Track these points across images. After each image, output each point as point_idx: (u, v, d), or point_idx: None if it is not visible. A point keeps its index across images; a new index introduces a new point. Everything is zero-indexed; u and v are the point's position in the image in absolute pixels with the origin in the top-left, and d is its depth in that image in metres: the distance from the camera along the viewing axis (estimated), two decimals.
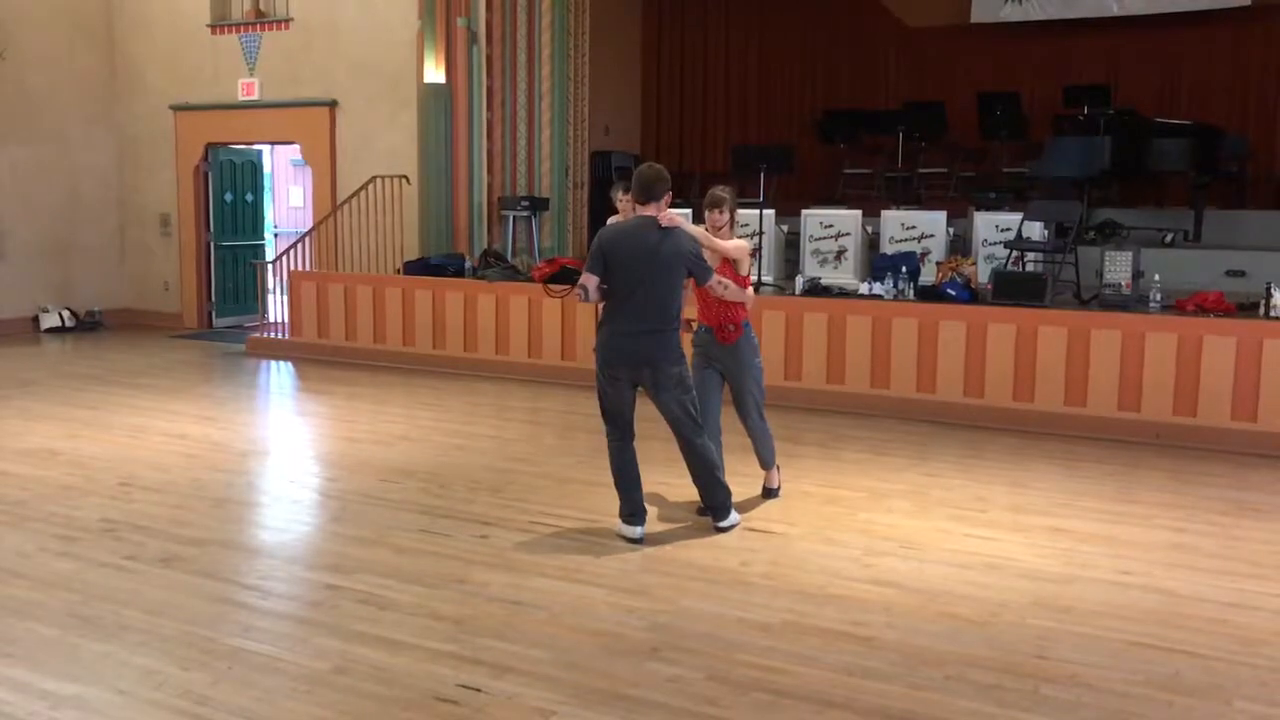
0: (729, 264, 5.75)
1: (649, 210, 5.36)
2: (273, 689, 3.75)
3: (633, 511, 5.41)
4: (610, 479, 5.50)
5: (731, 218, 5.95)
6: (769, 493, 6.18)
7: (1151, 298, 8.33)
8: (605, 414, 5.46)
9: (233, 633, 4.24)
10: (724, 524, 5.55)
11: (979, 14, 13.47)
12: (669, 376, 5.32)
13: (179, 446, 7.36)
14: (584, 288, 5.31)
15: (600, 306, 5.51)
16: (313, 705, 3.64)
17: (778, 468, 6.23)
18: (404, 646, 4.11)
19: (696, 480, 5.54)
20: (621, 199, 7.47)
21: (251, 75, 13.05)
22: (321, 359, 11.11)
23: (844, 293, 9.45)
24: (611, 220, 7.76)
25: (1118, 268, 8.53)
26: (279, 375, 10.76)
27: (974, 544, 5.40)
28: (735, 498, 5.67)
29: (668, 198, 5.43)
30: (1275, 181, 12.30)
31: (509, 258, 11.36)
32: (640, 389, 5.42)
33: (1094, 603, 4.62)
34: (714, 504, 5.56)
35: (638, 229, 5.34)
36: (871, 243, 10.92)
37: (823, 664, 3.99)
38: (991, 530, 5.64)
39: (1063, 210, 9.87)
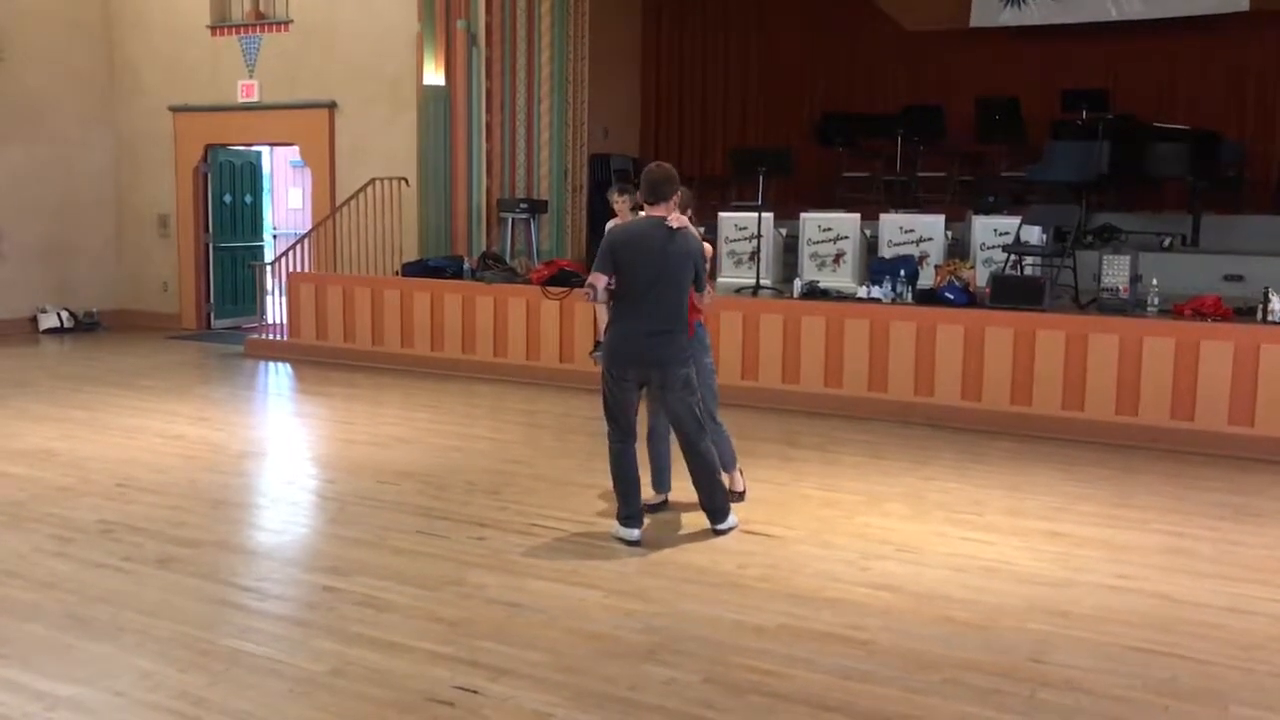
0: None
1: (658, 211, 5.35)
2: (270, 691, 3.75)
3: (630, 514, 5.40)
4: (608, 481, 5.50)
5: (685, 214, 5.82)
6: (733, 496, 5.96)
7: (1149, 302, 8.34)
8: (609, 415, 5.45)
9: (230, 634, 4.24)
10: (722, 526, 5.55)
11: (977, 18, 13.48)
12: (677, 378, 5.32)
13: (176, 448, 7.36)
14: (592, 286, 5.27)
15: (598, 307, 5.49)
16: (309, 707, 3.64)
17: (740, 471, 6.15)
18: (401, 648, 4.10)
19: (697, 482, 5.53)
20: (618, 201, 7.46)
21: (251, 77, 13.05)
22: (320, 360, 11.11)
23: (842, 296, 9.45)
24: (611, 223, 7.76)
25: (1115, 272, 8.52)
26: (277, 377, 10.76)
27: (971, 548, 5.40)
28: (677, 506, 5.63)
29: (676, 197, 5.42)
30: (1273, 186, 12.31)
31: (507, 260, 11.36)
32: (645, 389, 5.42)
33: (1091, 607, 4.62)
34: (713, 507, 5.55)
35: (647, 229, 5.33)
36: (870, 246, 10.92)
37: (819, 667, 3.99)
38: (989, 534, 5.64)
39: (1061, 214, 9.88)
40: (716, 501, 5.54)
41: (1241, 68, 12.62)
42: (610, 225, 7.59)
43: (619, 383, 5.35)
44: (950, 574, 5.02)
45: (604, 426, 5.52)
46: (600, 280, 5.26)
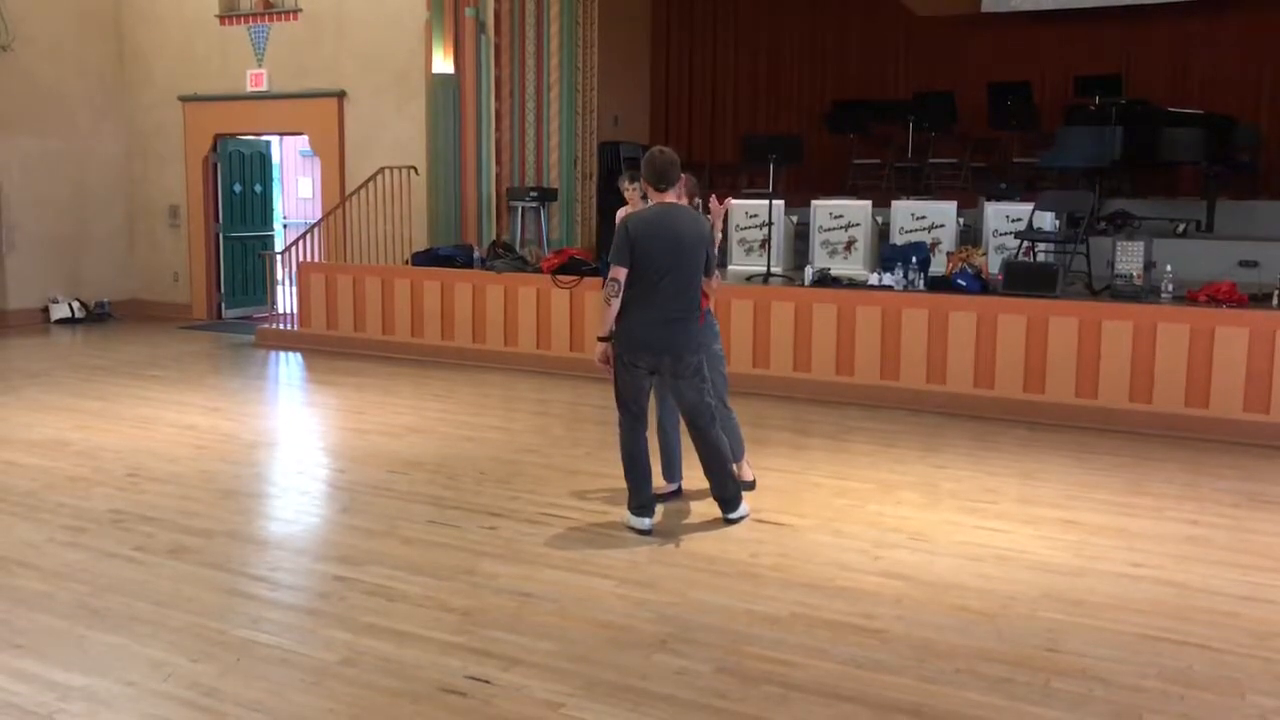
0: None
1: (668, 197, 5.32)
2: (281, 681, 3.75)
3: (642, 503, 5.39)
4: (619, 470, 5.49)
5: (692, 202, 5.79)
6: (741, 485, 5.91)
7: (1163, 288, 8.29)
8: (621, 402, 5.41)
9: (241, 624, 4.24)
10: (734, 515, 5.53)
11: (989, 3, 13.37)
12: (688, 365, 5.31)
13: (188, 437, 7.37)
14: (615, 281, 5.20)
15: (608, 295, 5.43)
16: (321, 697, 3.64)
17: (748, 461, 6.11)
18: (412, 638, 4.10)
19: (708, 471, 5.51)
20: (629, 189, 7.43)
21: (260, 66, 13.04)
22: (330, 350, 11.12)
23: (854, 283, 9.41)
24: (622, 212, 7.72)
25: (1129, 258, 8.47)
26: (288, 366, 10.77)
27: (984, 536, 5.38)
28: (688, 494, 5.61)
29: (683, 182, 5.40)
30: None
31: (517, 249, 11.34)
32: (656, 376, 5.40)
33: (1105, 595, 4.60)
34: (724, 496, 5.53)
35: (662, 216, 5.28)
36: (881, 233, 10.88)
37: (832, 656, 3.97)
38: (1002, 522, 5.61)
39: (1074, 200, 9.82)
40: (727, 490, 5.52)
41: (1256, 51, 12.50)
42: (621, 214, 7.58)
43: (631, 369, 5.33)
44: (963, 563, 4.99)
45: (615, 415, 5.50)
46: (622, 274, 5.19)
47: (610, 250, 5.33)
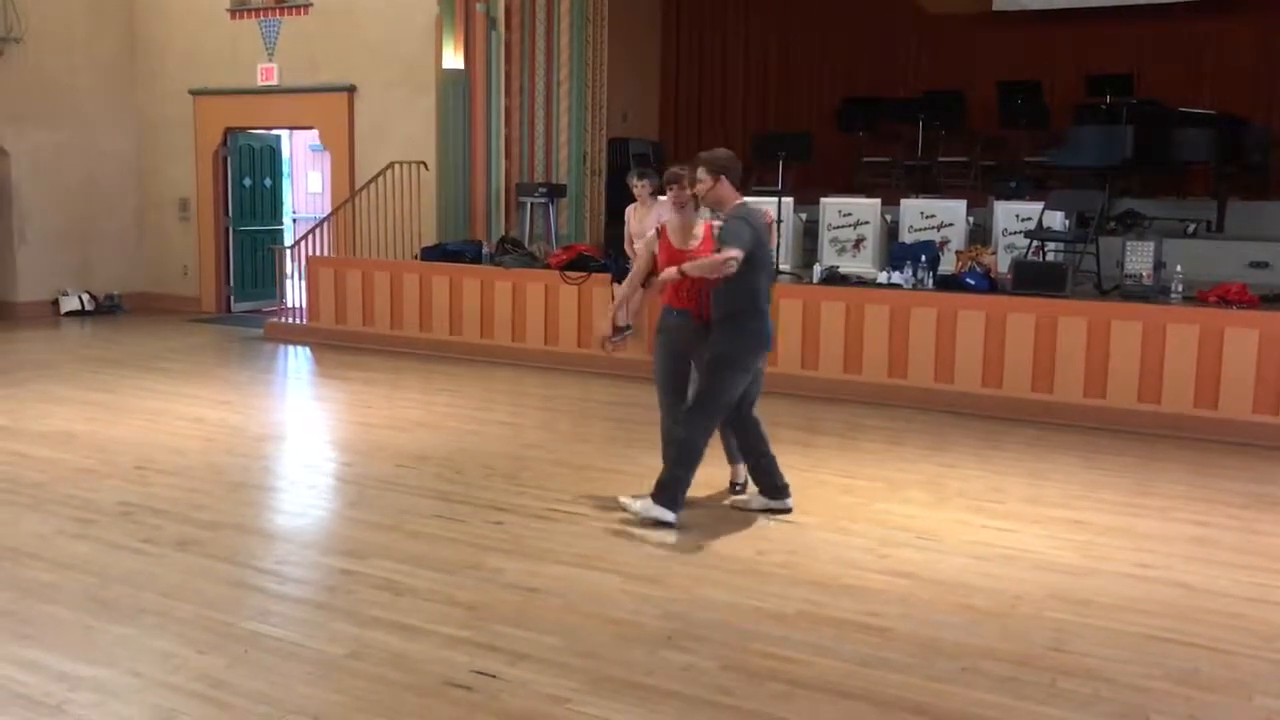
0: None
1: (738, 196, 5.37)
2: (288, 673, 3.76)
3: (676, 497, 5.38)
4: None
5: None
6: (738, 488, 5.96)
7: (1173, 289, 8.26)
8: (721, 404, 5.34)
9: (249, 617, 4.25)
10: (783, 505, 5.63)
11: (1000, 1, 13.36)
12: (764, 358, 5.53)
13: (196, 430, 7.39)
14: (736, 259, 5.03)
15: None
16: (328, 690, 3.65)
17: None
18: (419, 632, 4.11)
19: (756, 459, 5.59)
20: (637, 185, 7.43)
21: (270, 60, 13.06)
22: (339, 344, 11.14)
23: (862, 282, 9.40)
24: (630, 209, 7.72)
25: (1139, 258, 8.45)
26: (296, 360, 10.79)
27: (991, 535, 5.37)
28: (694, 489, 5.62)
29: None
30: None
31: (526, 244, 11.34)
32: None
33: (1112, 596, 4.59)
34: (777, 483, 5.62)
35: (756, 215, 5.33)
36: (890, 232, 10.86)
37: (838, 655, 3.97)
38: (1009, 522, 5.60)
39: (1084, 200, 9.79)
40: (779, 477, 5.63)
41: (1268, 51, 12.47)
42: (630, 211, 7.59)
43: (745, 373, 5.34)
44: (970, 562, 4.99)
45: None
46: (739, 255, 5.04)
47: (732, 236, 5.09)
